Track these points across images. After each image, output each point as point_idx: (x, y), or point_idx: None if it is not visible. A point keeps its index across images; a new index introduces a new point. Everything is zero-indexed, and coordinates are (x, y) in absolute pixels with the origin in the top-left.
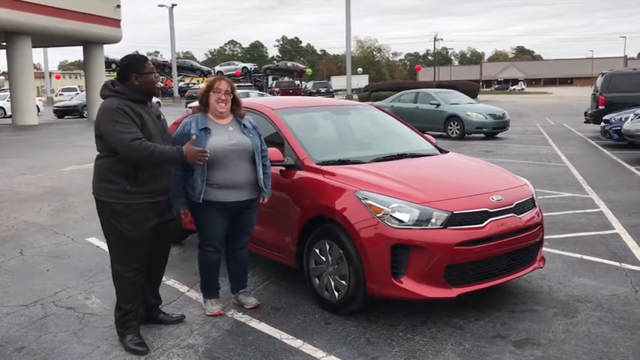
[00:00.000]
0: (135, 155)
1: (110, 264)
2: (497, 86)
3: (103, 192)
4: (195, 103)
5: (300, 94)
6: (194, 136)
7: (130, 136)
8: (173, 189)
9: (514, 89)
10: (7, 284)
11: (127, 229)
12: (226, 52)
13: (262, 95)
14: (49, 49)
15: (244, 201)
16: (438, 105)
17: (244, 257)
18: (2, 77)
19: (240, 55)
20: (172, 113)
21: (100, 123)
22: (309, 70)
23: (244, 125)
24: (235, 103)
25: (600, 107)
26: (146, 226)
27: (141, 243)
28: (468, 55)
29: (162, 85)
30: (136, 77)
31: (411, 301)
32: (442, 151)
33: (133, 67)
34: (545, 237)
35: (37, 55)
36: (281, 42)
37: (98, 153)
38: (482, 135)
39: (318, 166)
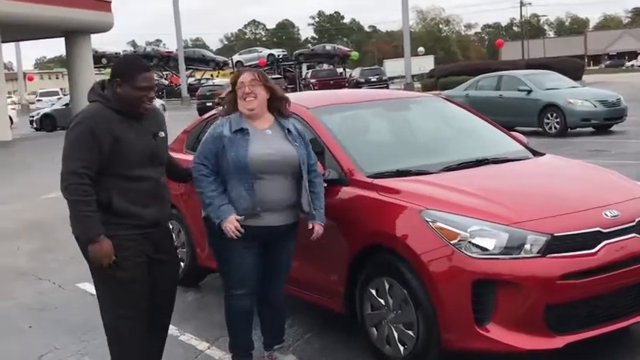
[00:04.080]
0: (62, 188)
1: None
2: (608, 63)
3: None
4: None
5: (343, 86)
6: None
7: (73, 165)
8: (210, 197)
9: (632, 66)
10: None
11: (113, 267)
12: (247, 37)
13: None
14: (22, 44)
15: (279, 227)
16: (530, 91)
17: (280, 303)
18: None
19: (264, 39)
20: (180, 118)
21: (66, 134)
22: (354, 54)
23: (288, 130)
24: (275, 97)
25: None
26: (135, 262)
27: (132, 283)
28: (566, 24)
29: (166, 82)
30: (118, 84)
31: (501, 355)
32: (536, 154)
33: (120, 71)
34: None
35: (8, 52)
36: (317, 19)
37: None
38: (590, 129)
39: (370, 180)
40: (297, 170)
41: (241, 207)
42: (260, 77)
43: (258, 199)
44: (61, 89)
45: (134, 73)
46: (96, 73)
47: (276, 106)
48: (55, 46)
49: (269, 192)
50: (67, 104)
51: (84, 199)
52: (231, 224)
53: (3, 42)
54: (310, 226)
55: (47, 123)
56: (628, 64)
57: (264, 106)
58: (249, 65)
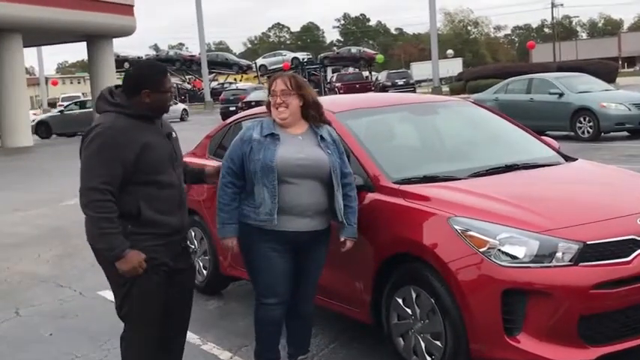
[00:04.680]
0: (82, 204)
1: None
2: None
3: None
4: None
5: (369, 90)
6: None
7: (93, 182)
8: (222, 210)
9: None
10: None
11: (135, 279)
12: (271, 40)
13: None
14: (44, 48)
15: (307, 232)
16: (561, 95)
17: (309, 314)
18: None
19: (289, 42)
20: (203, 123)
21: (83, 147)
22: (380, 57)
23: (322, 137)
24: (308, 104)
25: None
26: (158, 271)
27: (154, 294)
28: (600, 25)
29: (189, 86)
30: (147, 94)
31: None
32: (568, 159)
33: (147, 81)
34: None
35: (30, 56)
36: (342, 22)
37: None
38: (624, 133)
39: (396, 186)
40: (328, 177)
41: (263, 212)
42: (292, 86)
43: (284, 203)
44: (83, 94)
45: (160, 78)
46: (118, 78)
47: (310, 113)
48: (77, 51)
49: (297, 197)
50: (61, 111)
51: (107, 216)
52: (229, 244)
53: (25, 47)
54: (342, 239)
55: (42, 130)
56: None
57: (296, 115)
58: (273, 69)
